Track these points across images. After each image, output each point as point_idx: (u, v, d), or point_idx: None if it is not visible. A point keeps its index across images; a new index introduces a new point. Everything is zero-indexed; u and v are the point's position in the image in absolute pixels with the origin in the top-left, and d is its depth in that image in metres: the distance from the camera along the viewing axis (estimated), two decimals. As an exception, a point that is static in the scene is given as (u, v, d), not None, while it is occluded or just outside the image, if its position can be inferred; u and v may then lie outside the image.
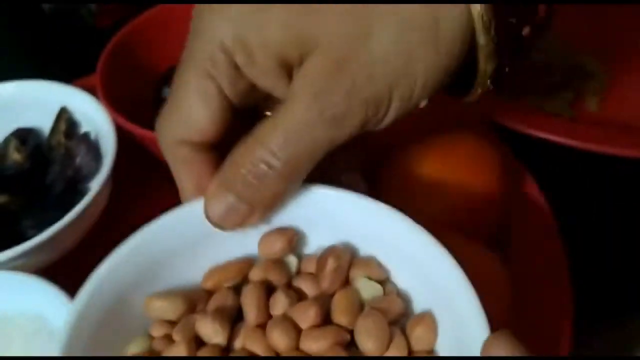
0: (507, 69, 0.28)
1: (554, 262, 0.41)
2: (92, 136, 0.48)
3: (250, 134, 0.28)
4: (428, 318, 0.29)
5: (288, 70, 0.28)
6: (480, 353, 0.24)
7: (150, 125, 0.45)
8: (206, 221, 0.30)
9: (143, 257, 0.30)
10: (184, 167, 0.31)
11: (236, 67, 0.28)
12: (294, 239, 0.31)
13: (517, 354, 0.24)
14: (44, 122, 0.50)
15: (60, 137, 0.49)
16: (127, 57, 0.52)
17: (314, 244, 0.32)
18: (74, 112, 0.50)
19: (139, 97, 0.51)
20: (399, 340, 0.28)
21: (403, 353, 0.28)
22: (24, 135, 0.50)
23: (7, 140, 0.49)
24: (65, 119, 0.49)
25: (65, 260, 0.43)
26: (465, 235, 0.36)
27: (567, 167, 0.48)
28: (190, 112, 0.30)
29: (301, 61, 0.27)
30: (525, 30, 0.27)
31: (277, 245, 0.31)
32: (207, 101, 0.29)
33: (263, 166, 0.27)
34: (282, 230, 0.31)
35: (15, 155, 0.48)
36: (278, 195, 0.29)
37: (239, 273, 0.31)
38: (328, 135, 0.27)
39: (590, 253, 0.44)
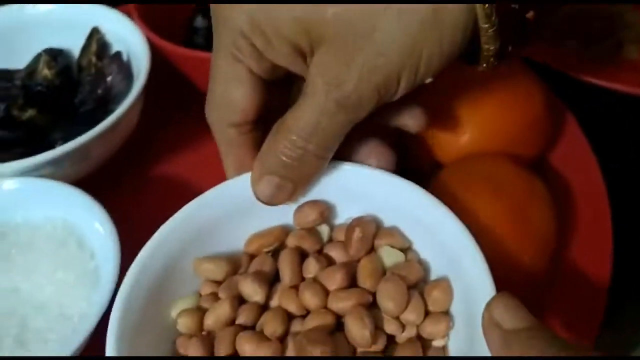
0: (510, 48, 0.29)
1: (594, 195, 0.43)
2: (124, 57, 0.48)
3: (282, 122, 0.32)
4: (444, 283, 0.32)
5: (302, 55, 0.31)
6: (483, 313, 0.27)
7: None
8: (247, 195, 0.34)
9: (193, 225, 0.34)
10: (229, 148, 0.35)
11: (258, 50, 0.31)
12: (325, 211, 0.35)
13: (518, 313, 0.26)
14: (74, 44, 0.50)
15: (91, 57, 0.49)
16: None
17: (344, 215, 0.36)
18: (106, 33, 0.50)
19: (172, 26, 0.51)
20: (416, 302, 0.31)
21: (420, 313, 0.31)
22: (53, 55, 0.50)
23: (38, 56, 0.50)
24: (96, 39, 0.49)
25: (95, 176, 0.44)
26: (504, 157, 0.38)
27: (607, 111, 0.49)
28: (229, 96, 0.33)
29: (312, 50, 0.30)
30: (530, 14, 0.29)
31: (311, 216, 0.35)
32: (241, 82, 0.33)
33: (299, 150, 0.31)
34: (315, 203, 0.35)
35: (45, 71, 0.48)
36: (316, 170, 0.33)
37: (277, 240, 0.35)
38: (348, 118, 0.30)
39: (630, 196, 0.45)
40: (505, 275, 0.33)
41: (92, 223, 0.39)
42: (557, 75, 0.46)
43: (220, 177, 0.35)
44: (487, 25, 0.27)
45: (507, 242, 0.34)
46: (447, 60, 0.29)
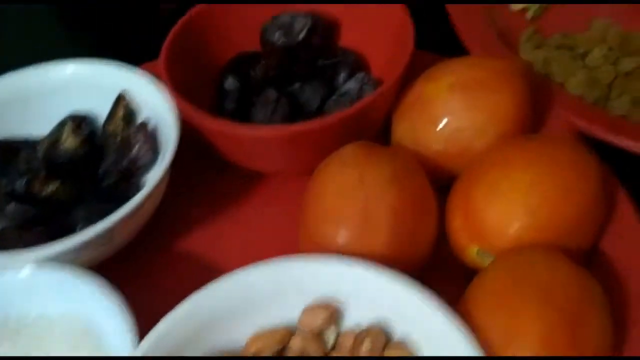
0: None
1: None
2: (152, 124, 0.45)
3: None
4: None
5: None
6: None
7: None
8: (255, 288, 0.32)
9: (195, 319, 0.33)
10: None
11: None
12: (335, 314, 0.33)
13: None
14: (100, 108, 0.47)
15: (118, 124, 0.46)
16: (191, 42, 0.48)
17: (352, 318, 0.34)
18: (133, 98, 0.47)
19: (200, 87, 0.47)
20: None
21: None
22: (78, 122, 0.47)
23: (62, 123, 0.47)
24: (123, 105, 0.46)
25: (118, 257, 0.41)
26: (558, 253, 0.34)
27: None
28: None
29: None
30: None
31: (319, 320, 0.33)
32: None
33: None
34: (324, 306, 0.33)
35: (69, 140, 0.45)
36: None
37: (280, 343, 0.33)
38: None
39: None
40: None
41: (110, 319, 0.35)
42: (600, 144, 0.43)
43: (248, 257, 0.35)
44: None
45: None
46: None
